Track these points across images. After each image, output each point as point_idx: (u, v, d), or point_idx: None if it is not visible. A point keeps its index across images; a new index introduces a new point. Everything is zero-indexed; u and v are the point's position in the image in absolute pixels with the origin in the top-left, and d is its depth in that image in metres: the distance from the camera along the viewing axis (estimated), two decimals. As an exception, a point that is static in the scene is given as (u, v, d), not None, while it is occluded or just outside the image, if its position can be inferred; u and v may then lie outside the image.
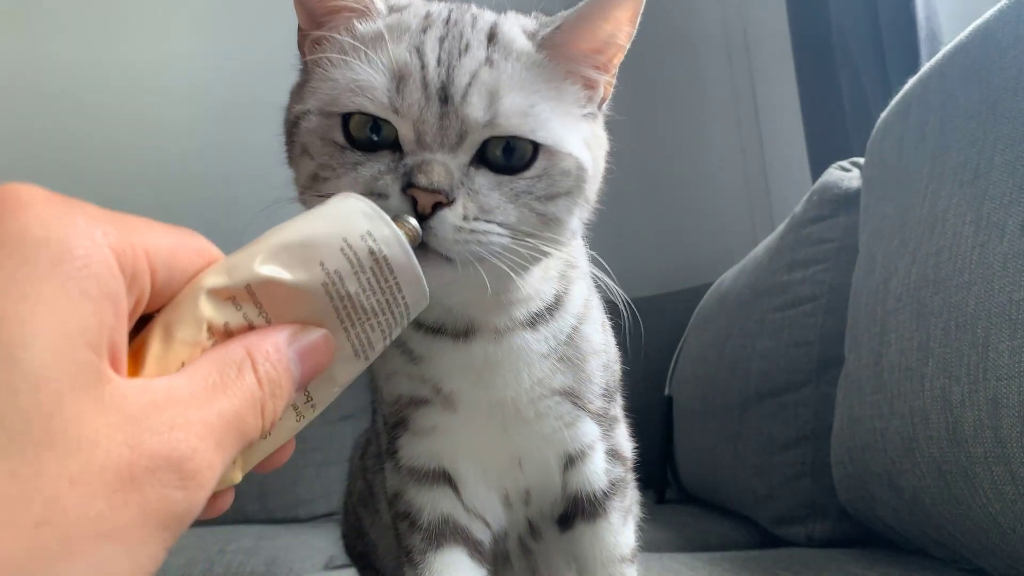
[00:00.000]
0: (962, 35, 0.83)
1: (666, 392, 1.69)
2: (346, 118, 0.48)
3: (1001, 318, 0.65)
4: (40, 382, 0.24)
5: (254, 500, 1.84)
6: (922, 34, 1.43)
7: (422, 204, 0.45)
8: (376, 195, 0.45)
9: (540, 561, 0.69)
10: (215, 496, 0.33)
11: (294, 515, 1.84)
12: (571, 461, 0.63)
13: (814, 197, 1.25)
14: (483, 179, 0.48)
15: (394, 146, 0.48)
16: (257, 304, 0.33)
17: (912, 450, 0.77)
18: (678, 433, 1.64)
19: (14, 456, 0.23)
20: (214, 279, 0.32)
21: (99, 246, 0.27)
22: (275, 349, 0.32)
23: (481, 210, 0.47)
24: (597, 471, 0.63)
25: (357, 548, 0.86)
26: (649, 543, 0.73)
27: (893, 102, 0.98)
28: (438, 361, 0.58)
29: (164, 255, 0.30)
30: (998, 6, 0.77)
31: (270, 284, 0.33)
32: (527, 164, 0.49)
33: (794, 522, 1.18)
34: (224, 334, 0.32)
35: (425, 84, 0.47)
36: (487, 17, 0.53)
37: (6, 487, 0.23)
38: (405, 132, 0.47)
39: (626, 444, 0.67)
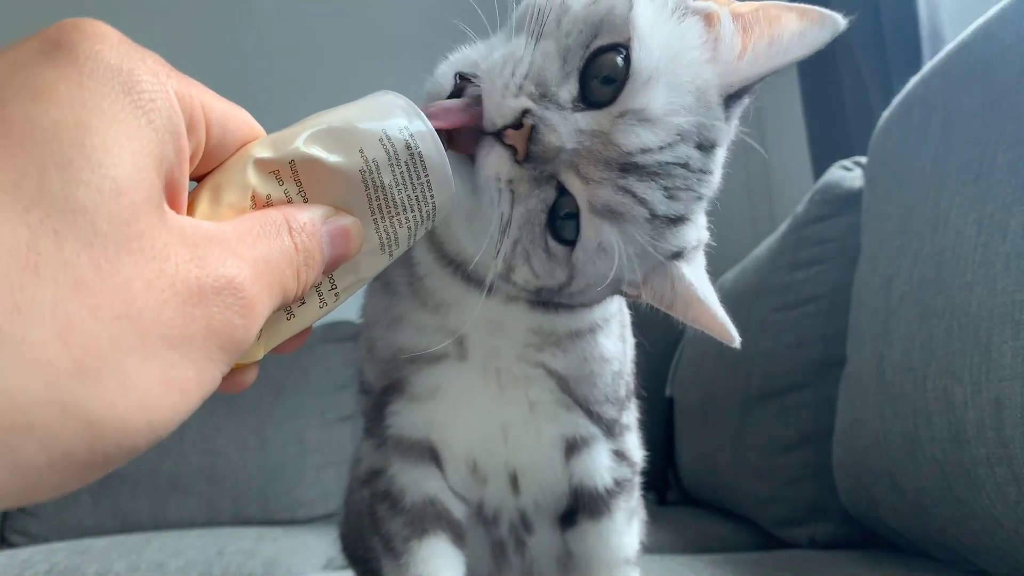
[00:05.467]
0: (964, 34, 0.82)
1: (667, 393, 1.69)
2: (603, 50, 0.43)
3: (1004, 318, 0.64)
4: (120, 189, 0.25)
5: (253, 502, 1.83)
6: (924, 32, 1.42)
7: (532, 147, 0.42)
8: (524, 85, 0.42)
9: (534, 559, 0.67)
10: (239, 370, 0.34)
11: (293, 517, 1.84)
12: (571, 447, 0.61)
13: (816, 197, 1.25)
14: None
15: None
16: (298, 182, 0.34)
17: (914, 451, 0.77)
18: (679, 434, 1.63)
19: (98, 251, 0.24)
20: (261, 150, 0.34)
21: (164, 85, 0.29)
22: (310, 222, 0.33)
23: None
24: (599, 466, 0.61)
25: (358, 551, 0.85)
26: (650, 545, 0.73)
27: (895, 101, 0.98)
28: (464, 307, 0.54)
29: (218, 115, 0.32)
30: (1000, 5, 0.76)
31: (312, 163, 0.34)
32: None
33: (796, 524, 1.18)
34: (265, 205, 0.34)
35: None
36: None
37: (92, 277, 0.24)
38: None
39: (636, 451, 0.66)
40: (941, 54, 0.87)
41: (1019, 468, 0.62)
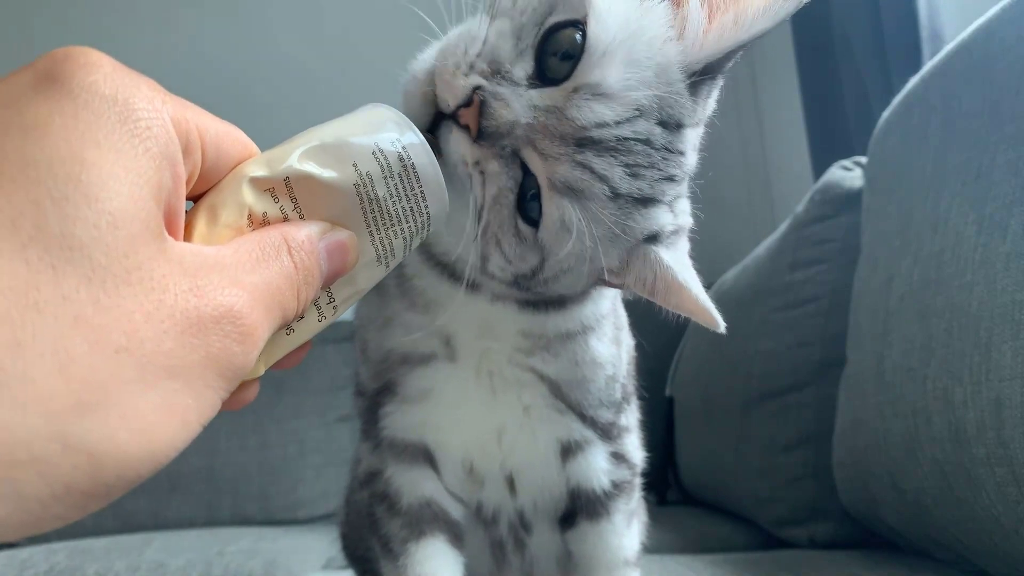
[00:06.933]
0: (964, 34, 0.82)
1: (667, 393, 1.69)
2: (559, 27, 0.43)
3: (1004, 319, 0.64)
4: (117, 222, 0.26)
5: (253, 502, 1.83)
6: (924, 33, 1.43)
7: (480, 121, 0.42)
8: (478, 63, 0.42)
9: (533, 559, 0.67)
10: (240, 388, 0.34)
11: (293, 517, 1.84)
12: (567, 451, 0.61)
13: (816, 197, 1.25)
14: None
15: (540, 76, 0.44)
16: (293, 199, 0.35)
17: (914, 451, 0.77)
18: (679, 434, 1.63)
19: (97, 286, 0.25)
20: (256, 169, 0.34)
21: (159, 112, 0.29)
22: (308, 240, 0.34)
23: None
24: (597, 469, 0.61)
25: (358, 551, 0.85)
26: (650, 545, 0.73)
27: (895, 101, 0.98)
28: (452, 308, 0.54)
29: (213, 137, 0.32)
30: (1000, 5, 0.76)
31: (307, 179, 0.35)
32: None
33: (796, 524, 1.18)
34: (262, 223, 0.34)
35: None
36: None
37: (91, 312, 0.24)
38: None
39: (636, 452, 0.65)
40: (941, 54, 0.87)
41: (1019, 468, 0.62)
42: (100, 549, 1.39)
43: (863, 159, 1.15)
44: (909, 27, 1.45)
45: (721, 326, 0.47)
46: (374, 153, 0.36)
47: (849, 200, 1.18)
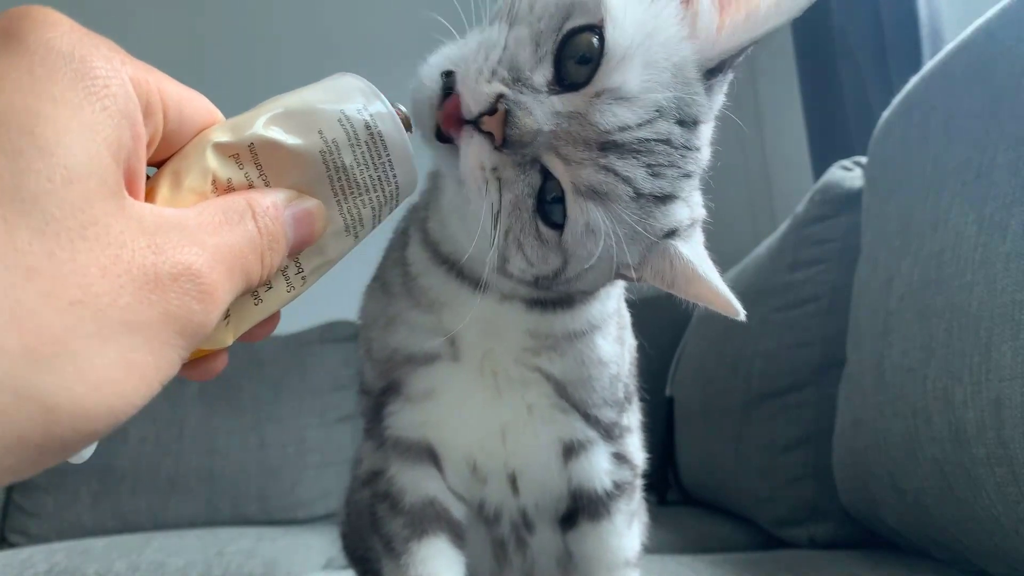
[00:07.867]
0: (965, 34, 0.82)
1: (667, 393, 1.69)
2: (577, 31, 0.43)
3: (1004, 318, 0.64)
4: (72, 177, 0.25)
5: (253, 502, 1.83)
6: (925, 32, 1.42)
7: (506, 130, 0.42)
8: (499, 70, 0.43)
9: (535, 559, 0.67)
10: (208, 357, 0.35)
11: (293, 517, 1.84)
12: (569, 451, 0.61)
13: (816, 197, 1.25)
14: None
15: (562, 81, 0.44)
16: (258, 166, 0.34)
17: (914, 451, 0.77)
18: (679, 434, 1.63)
19: (51, 239, 0.24)
20: (220, 134, 0.34)
21: (118, 71, 0.28)
22: (273, 206, 0.33)
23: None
24: (598, 469, 0.61)
25: (359, 551, 0.85)
26: (650, 545, 0.73)
27: (895, 101, 0.98)
28: (458, 307, 0.55)
29: (175, 100, 0.32)
30: (1001, 5, 0.76)
31: (272, 146, 0.34)
32: None
33: (796, 524, 1.18)
34: (227, 190, 0.33)
35: None
36: None
37: (44, 264, 0.24)
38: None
39: (637, 453, 0.65)
40: (941, 54, 0.87)
41: (1018, 468, 0.62)
42: (100, 549, 1.39)
43: (863, 159, 1.15)
44: (909, 27, 1.45)
45: (741, 314, 0.47)
46: (340, 120, 0.36)
47: (849, 200, 1.17)
